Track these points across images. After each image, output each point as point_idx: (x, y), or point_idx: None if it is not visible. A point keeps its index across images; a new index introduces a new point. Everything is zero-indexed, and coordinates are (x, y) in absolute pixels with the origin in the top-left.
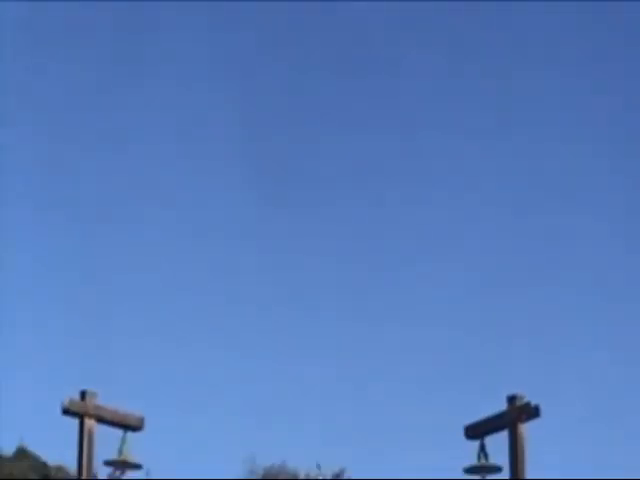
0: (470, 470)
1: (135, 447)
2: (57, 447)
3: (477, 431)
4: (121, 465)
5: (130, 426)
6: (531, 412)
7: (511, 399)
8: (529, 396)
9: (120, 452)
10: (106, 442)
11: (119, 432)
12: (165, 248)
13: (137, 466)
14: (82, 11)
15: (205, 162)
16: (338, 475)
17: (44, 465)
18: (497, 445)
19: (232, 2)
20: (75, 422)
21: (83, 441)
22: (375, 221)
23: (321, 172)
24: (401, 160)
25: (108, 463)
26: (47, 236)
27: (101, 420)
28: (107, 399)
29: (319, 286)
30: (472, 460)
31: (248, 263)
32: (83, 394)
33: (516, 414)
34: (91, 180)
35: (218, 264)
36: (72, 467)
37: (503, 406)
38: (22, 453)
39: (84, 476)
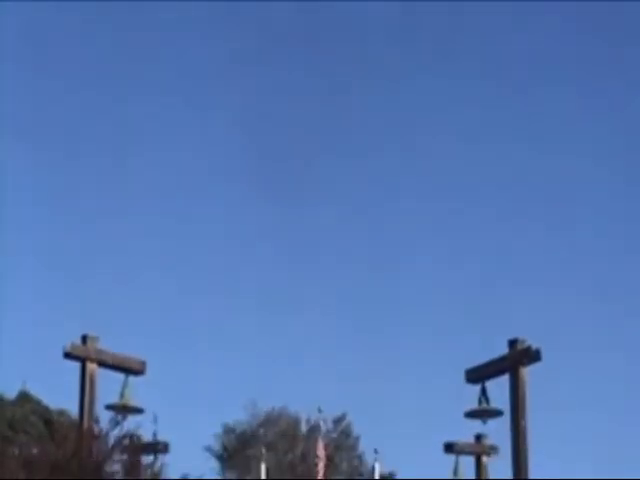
0: (471, 414)
1: (137, 391)
2: (59, 391)
3: (478, 375)
4: (123, 409)
5: (132, 370)
6: (532, 356)
7: (512, 343)
8: (530, 340)
9: (122, 396)
10: (108, 386)
11: (121, 376)
12: (171, 191)
13: (139, 410)
14: None
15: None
16: (339, 419)
17: (46, 409)
18: (498, 389)
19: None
20: (77, 366)
21: (85, 385)
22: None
23: None
24: None
25: (110, 407)
26: (47, 173)
27: (103, 364)
28: (109, 343)
29: (319, 230)
30: (473, 404)
31: (250, 207)
32: (85, 338)
33: (517, 358)
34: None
35: (222, 208)
36: (74, 411)
37: (504, 350)
38: (24, 397)
39: (86, 420)
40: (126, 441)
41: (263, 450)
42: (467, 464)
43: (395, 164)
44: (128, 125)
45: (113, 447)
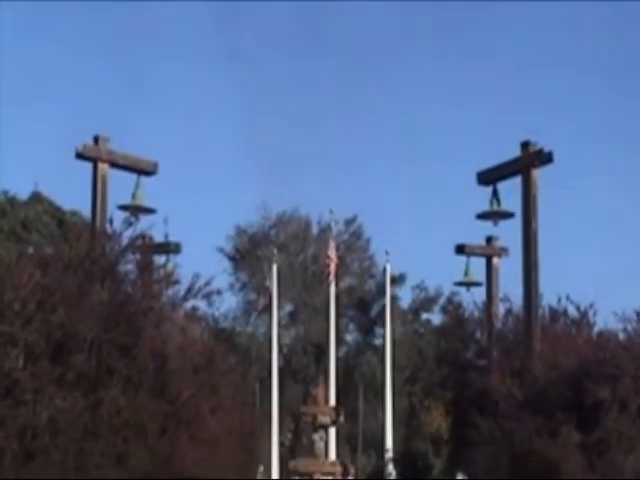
0: (482, 216)
1: (149, 192)
2: (71, 192)
3: (490, 177)
4: (135, 210)
5: (143, 171)
6: (544, 158)
7: (524, 145)
8: (542, 143)
9: (134, 197)
10: (120, 188)
11: (133, 178)
12: None
13: (151, 211)
14: None
15: None
16: (351, 220)
17: (59, 209)
18: (509, 193)
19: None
20: (89, 167)
21: (97, 186)
22: None
23: None
24: None
25: (122, 207)
26: None
27: (114, 165)
28: (121, 145)
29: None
30: (484, 206)
31: None
32: (96, 139)
33: (529, 160)
34: None
35: None
36: (86, 212)
37: (516, 152)
38: (37, 198)
39: (98, 220)
40: (139, 241)
41: (274, 251)
42: (478, 265)
43: None
44: None
45: (126, 247)
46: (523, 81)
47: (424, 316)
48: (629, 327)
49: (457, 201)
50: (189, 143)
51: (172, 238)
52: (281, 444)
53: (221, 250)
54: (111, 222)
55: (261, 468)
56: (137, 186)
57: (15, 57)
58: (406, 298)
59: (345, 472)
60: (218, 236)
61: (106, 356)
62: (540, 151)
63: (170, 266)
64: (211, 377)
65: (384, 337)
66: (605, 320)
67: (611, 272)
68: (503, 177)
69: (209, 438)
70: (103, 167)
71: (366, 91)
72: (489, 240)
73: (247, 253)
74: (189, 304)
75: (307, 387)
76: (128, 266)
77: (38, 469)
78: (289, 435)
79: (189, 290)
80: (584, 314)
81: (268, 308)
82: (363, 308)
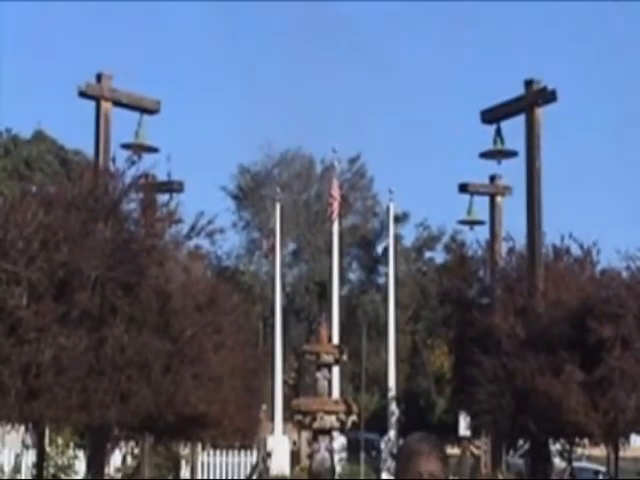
0: (486, 154)
1: (152, 131)
2: (74, 132)
3: (493, 115)
4: (138, 148)
5: (147, 109)
6: (548, 96)
7: (528, 83)
8: (546, 81)
9: (137, 135)
10: (123, 127)
11: (136, 116)
12: None
13: (154, 149)
14: None
15: None
16: (354, 159)
17: (61, 148)
18: (513, 132)
19: None
20: (92, 106)
21: (100, 124)
22: None
23: None
24: None
25: (125, 146)
26: None
27: (117, 103)
28: (123, 83)
29: None
30: (488, 145)
31: None
32: (99, 77)
33: (533, 98)
34: None
35: None
36: (89, 151)
37: (520, 91)
38: (40, 136)
39: (101, 159)
40: (142, 180)
41: (278, 190)
42: (481, 204)
43: None
44: None
45: (129, 185)
46: (527, 21)
47: (427, 254)
48: (632, 265)
49: (461, 140)
50: (192, 82)
51: (175, 177)
52: (284, 383)
53: (224, 189)
54: (114, 161)
55: (264, 406)
56: (140, 124)
57: None
58: (409, 237)
59: (348, 410)
60: (221, 175)
61: (110, 294)
62: (544, 89)
63: (173, 205)
64: (214, 316)
65: (387, 275)
66: (608, 258)
67: (615, 210)
68: (507, 115)
69: (212, 376)
70: (106, 105)
71: (370, 30)
72: (492, 179)
73: (250, 192)
74: (192, 243)
75: (310, 326)
76: (131, 205)
77: (42, 407)
78: (292, 374)
79: (192, 228)
80: (587, 252)
81: (273, 251)
82: (366, 247)
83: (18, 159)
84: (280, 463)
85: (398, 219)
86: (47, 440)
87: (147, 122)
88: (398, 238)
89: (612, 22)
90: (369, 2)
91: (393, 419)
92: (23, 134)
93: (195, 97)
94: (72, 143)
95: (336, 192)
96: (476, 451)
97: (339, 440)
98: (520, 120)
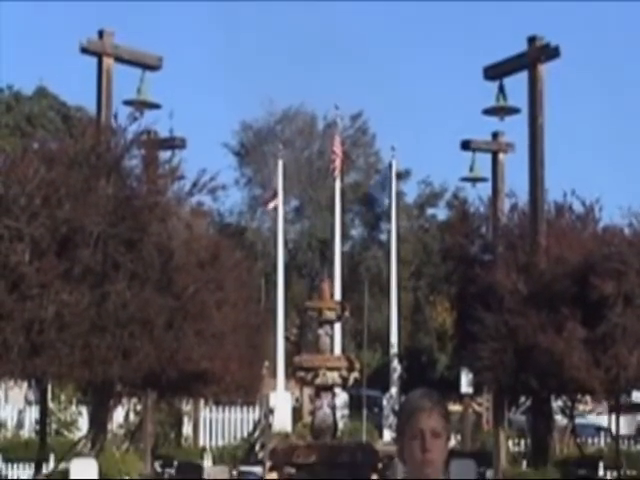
0: (488, 111)
1: (154, 87)
2: (76, 89)
3: (496, 72)
4: (140, 105)
5: (148, 66)
6: (550, 53)
7: (531, 40)
8: (549, 37)
9: (139, 91)
10: (125, 83)
11: (137, 73)
12: None
13: (156, 105)
14: None
15: None
16: (356, 116)
17: (63, 105)
18: (516, 89)
19: None
20: (94, 62)
21: (102, 81)
22: None
23: None
24: None
25: (127, 102)
26: None
27: (119, 59)
28: (125, 39)
29: None
30: (490, 101)
31: None
32: (101, 33)
33: (536, 54)
34: None
35: None
36: (91, 108)
37: (523, 47)
38: (41, 93)
39: (103, 116)
40: (144, 136)
41: (280, 146)
42: (484, 161)
43: None
44: None
45: (131, 142)
46: None
47: (429, 211)
48: (635, 222)
49: (463, 97)
50: (194, 38)
51: (177, 133)
52: (286, 339)
53: (226, 145)
54: (116, 117)
55: (266, 363)
56: (142, 81)
57: None
58: (411, 193)
59: (350, 367)
60: (223, 131)
61: (112, 251)
62: (547, 45)
63: (175, 161)
64: (217, 272)
65: (389, 232)
66: (611, 215)
67: (617, 168)
68: (510, 72)
69: (215, 333)
70: (108, 62)
71: None
72: (495, 136)
73: (252, 148)
74: (194, 199)
75: (312, 282)
76: (133, 161)
77: (44, 363)
78: (294, 330)
79: (194, 185)
80: (590, 209)
81: (271, 201)
82: (368, 203)
83: (20, 115)
84: (282, 419)
85: (400, 176)
86: (50, 396)
87: (149, 78)
88: (400, 195)
89: None
90: None
91: (395, 376)
92: (25, 90)
93: (197, 53)
94: (74, 99)
95: (338, 149)
96: (478, 408)
97: (341, 397)
98: (523, 77)
